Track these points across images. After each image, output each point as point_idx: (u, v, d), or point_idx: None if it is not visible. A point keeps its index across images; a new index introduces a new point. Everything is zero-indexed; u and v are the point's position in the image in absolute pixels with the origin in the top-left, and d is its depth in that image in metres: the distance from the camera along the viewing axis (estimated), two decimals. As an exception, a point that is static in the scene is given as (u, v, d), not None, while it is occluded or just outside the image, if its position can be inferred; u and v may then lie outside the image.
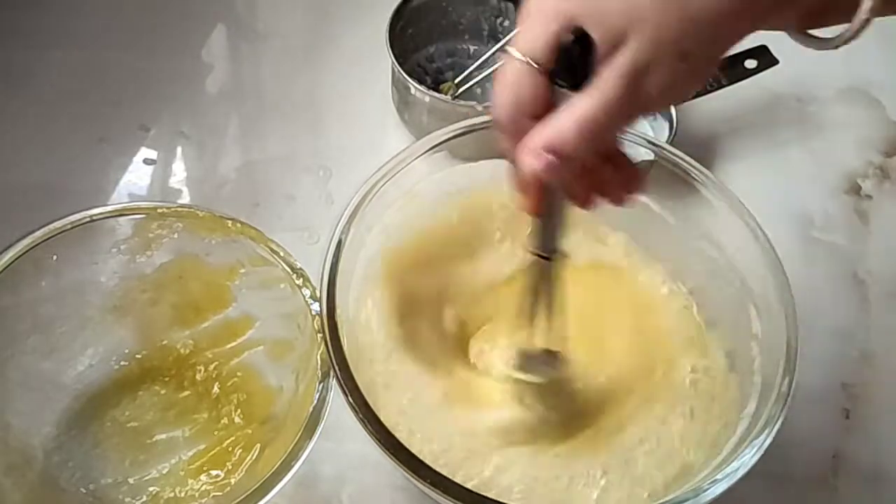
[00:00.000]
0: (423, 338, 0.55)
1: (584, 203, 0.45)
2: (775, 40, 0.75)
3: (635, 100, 0.40)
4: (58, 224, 0.52)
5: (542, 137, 0.41)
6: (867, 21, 0.40)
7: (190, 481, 0.53)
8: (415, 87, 0.69)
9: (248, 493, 0.45)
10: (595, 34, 0.39)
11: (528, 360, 0.52)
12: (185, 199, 0.71)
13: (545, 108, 0.41)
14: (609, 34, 0.39)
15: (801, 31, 0.44)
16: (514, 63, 0.41)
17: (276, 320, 0.55)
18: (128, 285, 0.56)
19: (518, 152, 0.42)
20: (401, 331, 0.54)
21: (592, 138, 0.40)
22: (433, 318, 0.57)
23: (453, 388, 0.53)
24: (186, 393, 0.57)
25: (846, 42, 0.42)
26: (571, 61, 0.40)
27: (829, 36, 0.43)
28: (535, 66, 0.41)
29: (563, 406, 0.53)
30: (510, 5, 0.75)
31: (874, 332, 0.67)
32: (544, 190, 0.44)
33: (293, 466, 0.46)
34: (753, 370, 0.53)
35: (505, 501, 0.44)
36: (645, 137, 0.59)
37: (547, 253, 0.47)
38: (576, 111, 0.40)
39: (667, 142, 0.66)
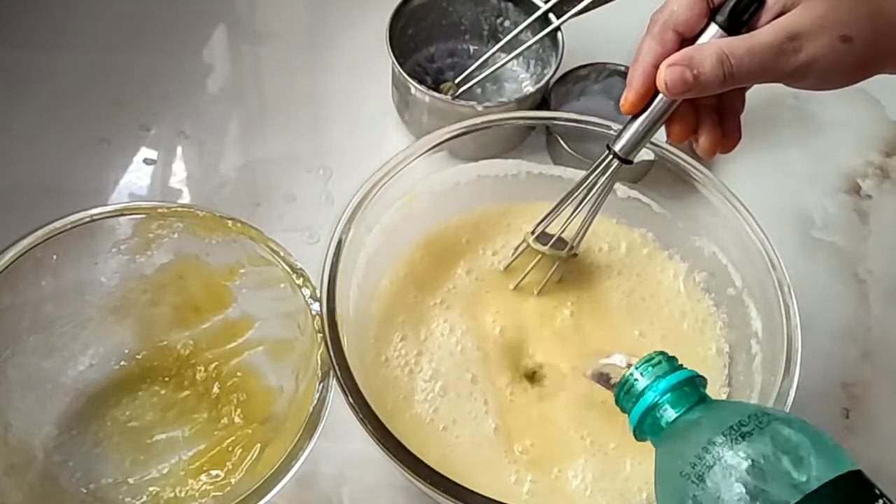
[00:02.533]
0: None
1: (677, 134, 0.49)
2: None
3: (781, 57, 0.43)
4: (58, 224, 0.52)
5: (688, 55, 0.44)
6: None
7: (190, 481, 0.53)
8: (415, 87, 0.69)
9: (248, 493, 0.45)
10: None
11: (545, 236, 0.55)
12: (185, 199, 0.71)
13: (695, 36, 0.46)
14: None
15: None
16: None
17: (276, 320, 0.55)
18: (128, 285, 0.56)
19: (665, 60, 0.45)
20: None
21: (728, 74, 0.43)
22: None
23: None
24: (186, 393, 0.57)
25: None
26: (739, 7, 0.44)
27: None
28: None
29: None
30: (510, 5, 0.75)
31: (874, 332, 0.67)
32: (651, 96, 0.47)
33: (293, 466, 0.46)
34: (753, 370, 0.53)
35: (505, 501, 0.44)
36: (645, 137, 0.59)
37: (623, 155, 0.50)
38: (724, 44, 0.44)
39: (667, 142, 0.66)
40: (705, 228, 0.58)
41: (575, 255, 0.57)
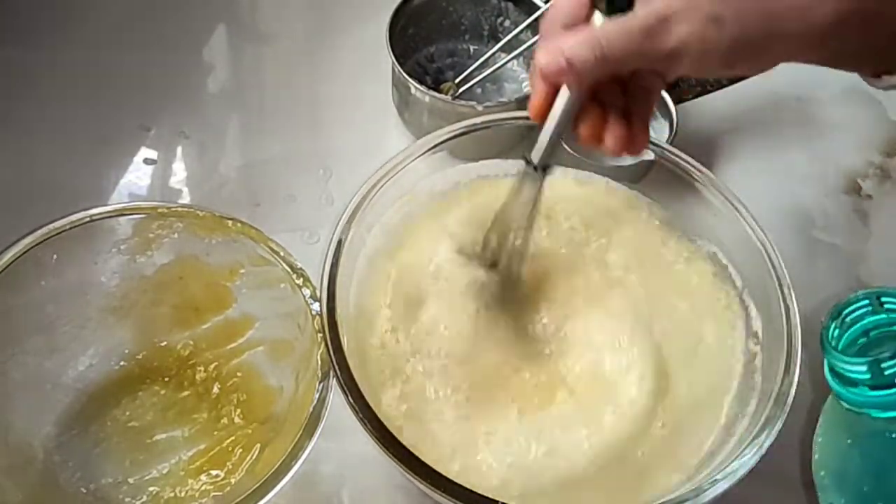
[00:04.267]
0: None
1: (585, 133, 0.48)
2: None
3: (653, 41, 0.42)
4: (58, 224, 0.52)
5: (560, 41, 0.44)
6: None
7: (190, 481, 0.53)
8: (415, 87, 0.69)
9: (248, 493, 0.45)
10: None
11: (492, 255, 0.54)
12: (185, 199, 0.71)
13: (579, 24, 0.45)
14: None
15: (874, 75, 0.47)
16: None
17: (276, 320, 0.55)
18: (128, 286, 0.56)
19: (538, 49, 0.46)
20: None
21: (602, 58, 0.43)
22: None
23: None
24: (186, 393, 0.57)
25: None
26: None
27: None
28: None
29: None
30: (510, 5, 0.75)
31: (874, 332, 0.67)
32: (551, 97, 0.47)
33: (293, 466, 0.46)
34: (753, 370, 0.53)
35: (505, 501, 0.44)
36: (645, 137, 0.59)
37: (537, 163, 0.50)
38: (597, 29, 0.44)
39: (667, 142, 0.66)
40: (705, 228, 0.58)
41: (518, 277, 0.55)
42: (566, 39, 0.44)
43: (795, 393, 0.49)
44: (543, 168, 0.50)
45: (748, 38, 0.42)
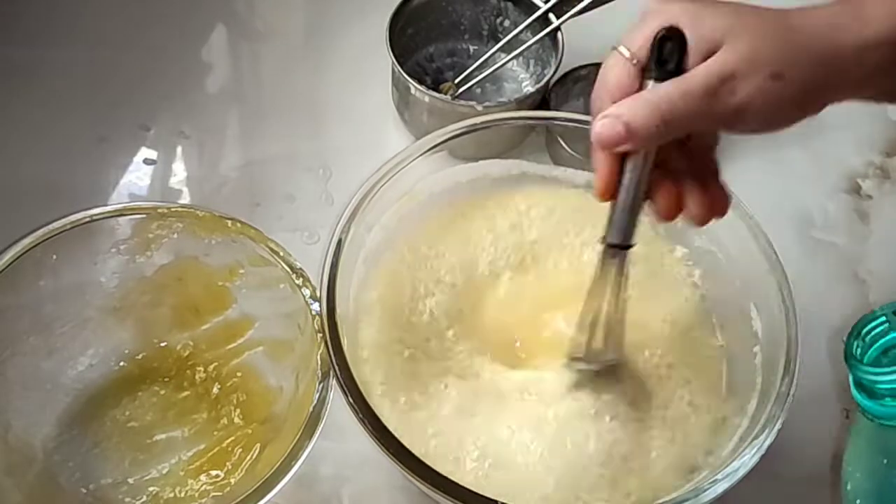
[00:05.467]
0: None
1: (664, 207, 0.46)
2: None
3: (715, 101, 0.41)
4: (58, 224, 0.52)
5: (617, 106, 0.43)
6: None
7: (190, 481, 0.53)
8: (415, 87, 0.69)
9: (248, 493, 0.45)
10: (691, 34, 0.42)
11: (587, 357, 0.52)
12: (185, 199, 0.71)
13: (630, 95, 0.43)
14: (705, 35, 0.42)
15: None
16: (617, 56, 0.44)
17: (276, 320, 0.55)
18: (128, 286, 0.56)
19: (594, 122, 0.44)
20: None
21: (661, 119, 0.42)
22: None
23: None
24: (186, 393, 0.57)
25: None
26: (662, 56, 0.42)
27: None
28: (628, 54, 0.43)
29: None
30: (510, 5, 0.75)
31: (874, 332, 0.67)
32: (616, 172, 0.45)
33: (293, 466, 0.46)
34: (753, 370, 0.53)
35: (505, 501, 0.44)
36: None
37: (616, 241, 0.47)
38: (655, 91, 0.42)
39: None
40: (705, 228, 0.58)
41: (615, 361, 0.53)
42: (620, 104, 0.43)
43: (796, 395, 0.49)
44: (623, 247, 0.47)
45: (811, 89, 0.43)
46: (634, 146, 0.43)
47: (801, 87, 0.42)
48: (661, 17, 0.43)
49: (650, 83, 0.43)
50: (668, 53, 0.42)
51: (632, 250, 0.48)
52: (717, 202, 0.46)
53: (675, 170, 0.45)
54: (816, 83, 0.43)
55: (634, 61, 0.43)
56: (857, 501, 0.51)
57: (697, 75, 0.41)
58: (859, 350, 0.50)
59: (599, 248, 0.48)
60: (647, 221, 0.59)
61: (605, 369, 0.53)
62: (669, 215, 0.46)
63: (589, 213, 0.60)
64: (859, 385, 0.49)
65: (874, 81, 0.44)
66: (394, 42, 0.70)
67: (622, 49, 0.44)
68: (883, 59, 0.43)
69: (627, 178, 0.45)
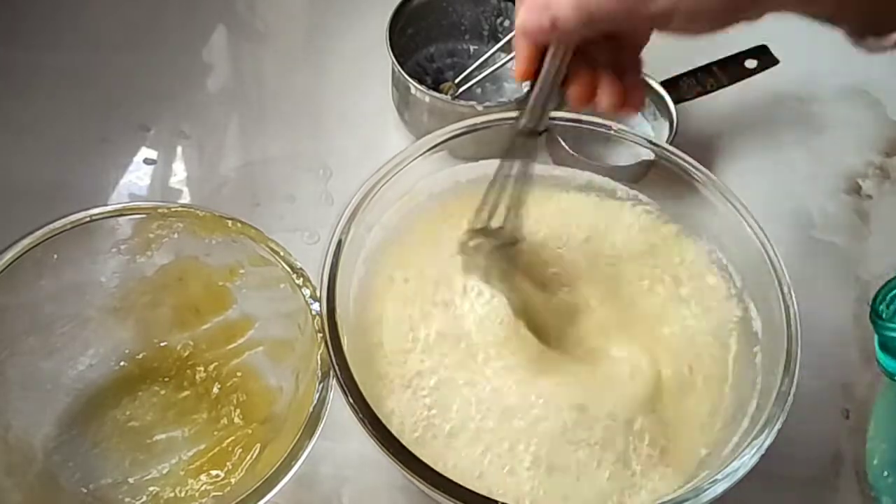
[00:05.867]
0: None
1: (577, 95, 0.47)
2: (775, 40, 0.75)
3: (643, 2, 0.40)
4: (58, 224, 0.52)
5: None
6: None
7: (190, 481, 0.53)
8: (415, 87, 0.69)
9: (248, 493, 0.45)
10: None
11: (487, 233, 0.53)
12: (185, 199, 0.71)
13: None
14: None
15: (859, 33, 0.45)
16: None
17: (276, 320, 0.55)
18: (128, 286, 0.56)
19: (520, 8, 0.44)
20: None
21: (588, 17, 0.41)
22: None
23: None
24: (186, 393, 0.57)
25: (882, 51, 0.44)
26: None
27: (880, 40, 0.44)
28: None
29: None
30: (510, 5, 0.75)
31: (874, 332, 0.66)
32: (536, 58, 0.46)
33: (293, 466, 0.46)
34: (754, 370, 0.53)
35: (505, 502, 0.44)
36: (645, 137, 0.59)
37: (530, 125, 0.48)
38: None
39: (667, 142, 0.66)
40: (705, 228, 0.58)
41: (516, 240, 0.54)
42: None
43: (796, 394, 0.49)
44: (535, 132, 0.49)
45: None
46: (558, 40, 0.44)
47: None
48: None
49: None
50: None
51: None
52: (630, 95, 0.47)
53: (596, 60, 0.46)
54: None
55: None
56: (885, 473, 0.50)
57: None
58: (886, 311, 0.50)
59: (511, 131, 0.49)
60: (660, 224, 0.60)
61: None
62: (580, 102, 0.47)
63: (589, 213, 0.60)
64: (884, 347, 0.49)
65: None
66: (394, 42, 0.70)
67: None
68: None
69: (546, 65, 0.46)
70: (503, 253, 0.54)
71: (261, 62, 0.81)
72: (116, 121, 0.74)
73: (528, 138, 0.49)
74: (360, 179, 0.55)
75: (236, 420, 0.55)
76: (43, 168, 0.70)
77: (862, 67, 0.81)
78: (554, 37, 0.43)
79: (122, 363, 0.57)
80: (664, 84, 0.73)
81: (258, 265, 0.54)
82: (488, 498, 0.44)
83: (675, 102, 0.72)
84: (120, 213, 0.53)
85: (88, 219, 0.52)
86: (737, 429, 0.50)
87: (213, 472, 0.53)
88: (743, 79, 0.75)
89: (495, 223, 0.52)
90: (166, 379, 0.57)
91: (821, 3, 0.43)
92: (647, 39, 0.47)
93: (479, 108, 0.67)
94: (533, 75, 0.46)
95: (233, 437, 0.54)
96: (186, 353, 0.57)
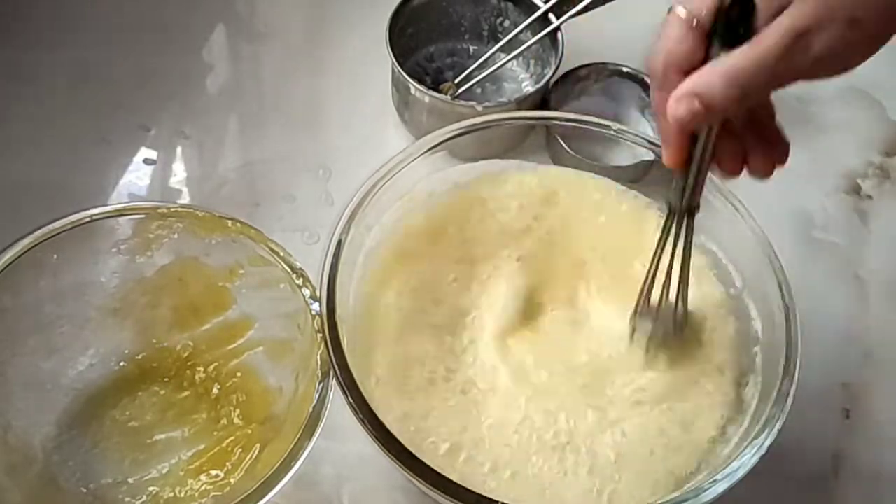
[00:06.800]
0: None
1: (731, 168, 0.46)
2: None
3: (792, 60, 0.40)
4: (58, 224, 0.52)
5: (691, 83, 0.41)
6: None
7: (190, 481, 0.53)
8: (415, 87, 0.69)
9: (248, 493, 0.45)
10: None
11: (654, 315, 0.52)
12: (185, 199, 0.71)
13: (698, 64, 0.42)
14: None
15: None
16: (676, 17, 0.42)
17: (275, 320, 0.55)
18: (128, 287, 0.56)
19: (668, 100, 0.42)
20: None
21: (740, 90, 0.40)
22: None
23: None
24: (186, 393, 0.57)
25: None
26: (730, 20, 0.41)
27: None
28: (694, 21, 0.42)
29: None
30: (510, 5, 0.75)
31: (874, 331, 0.67)
32: (688, 143, 0.45)
33: (293, 466, 0.46)
34: (754, 370, 0.53)
35: (507, 502, 0.44)
36: (645, 137, 0.59)
37: (686, 206, 0.48)
38: (728, 61, 0.41)
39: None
40: (705, 228, 0.58)
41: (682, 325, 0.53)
42: (695, 80, 0.41)
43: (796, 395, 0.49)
44: (692, 212, 0.48)
45: (882, 30, 0.40)
46: (712, 121, 0.43)
47: (876, 27, 0.40)
48: None
49: (717, 50, 0.41)
50: (736, 18, 0.41)
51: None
52: (776, 148, 0.46)
53: (735, 125, 0.45)
54: (890, 15, 0.40)
55: (695, 23, 0.42)
56: None
57: (769, 36, 0.40)
58: None
59: (663, 214, 0.49)
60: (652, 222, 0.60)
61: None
62: (734, 173, 0.46)
63: (588, 213, 0.60)
64: None
65: None
66: (394, 42, 0.70)
67: (681, 11, 0.42)
68: None
69: (699, 146, 0.45)
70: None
71: (261, 62, 0.81)
72: (116, 121, 0.74)
73: (684, 219, 0.48)
74: (360, 179, 0.55)
75: (236, 420, 0.55)
76: (43, 168, 0.70)
77: (862, 67, 0.81)
78: (708, 120, 0.42)
79: (121, 363, 0.57)
80: (664, 84, 0.73)
81: (258, 265, 0.54)
82: (489, 498, 0.44)
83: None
84: (120, 213, 0.53)
85: (88, 219, 0.52)
86: (737, 429, 0.50)
87: (213, 473, 0.53)
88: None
89: (665, 309, 0.52)
90: (166, 379, 0.57)
91: None
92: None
93: (479, 108, 0.67)
94: (686, 160, 0.46)
95: (232, 438, 0.54)
96: (186, 354, 0.57)
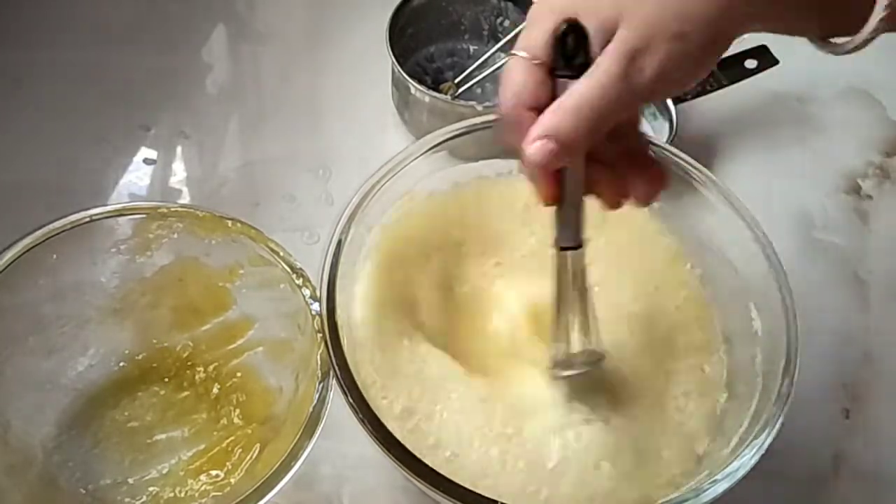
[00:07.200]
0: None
1: (611, 200, 0.46)
2: (775, 40, 0.75)
3: (631, 82, 0.41)
4: (58, 224, 0.52)
5: (541, 124, 0.42)
6: (872, 38, 0.42)
7: (189, 481, 0.53)
8: (415, 87, 0.69)
9: (248, 493, 0.45)
10: (588, 23, 0.41)
11: (568, 360, 0.51)
12: (185, 199, 0.71)
13: (547, 101, 0.43)
14: (601, 21, 0.41)
15: (821, 38, 0.46)
16: (516, 59, 0.43)
17: (275, 320, 0.55)
18: (127, 287, 0.56)
19: (523, 143, 0.43)
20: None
21: (589, 121, 0.41)
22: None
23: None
24: (186, 393, 0.57)
25: (850, 52, 0.44)
26: (567, 52, 0.42)
27: (840, 42, 0.44)
28: (534, 60, 0.43)
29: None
30: (510, 5, 0.75)
31: (874, 332, 0.67)
32: (558, 179, 0.45)
33: (293, 466, 0.46)
34: (754, 370, 0.53)
35: (504, 502, 0.44)
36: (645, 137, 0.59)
37: (569, 243, 0.47)
38: (572, 95, 0.42)
39: (667, 142, 0.66)
40: (705, 228, 0.58)
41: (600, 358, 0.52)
42: (544, 122, 0.42)
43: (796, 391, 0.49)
44: (577, 247, 0.48)
45: (713, 37, 0.42)
46: (570, 157, 0.43)
47: (706, 36, 0.41)
48: (553, 14, 0.42)
49: (562, 83, 0.42)
50: (572, 48, 0.42)
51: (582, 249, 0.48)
52: (656, 178, 0.46)
53: (608, 158, 0.46)
54: (719, 25, 0.41)
55: (537, 62, 0.43)
56: None
57: (604, 63, 0.41)
58: None
59: (552, 252, 0.48)
60: (643, 221, 0.60)
61: (596, 375, 0.52)
62: (616, 205, 0.47)
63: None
64: None
65: (778, 11, 0.43)
66: (394, 42, 0.70)
67: (520, 53, 0.43)
68: None
69: (568, 182, 0.45)
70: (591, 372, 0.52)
71: (260, 62, 0.82)
72: (116, 121, 0.74)
73: (572, 255, 0.48)
74: (360, 179, 0.55)
75: (236, 420, 0.55)
76: (43, 168, 0.70)
77: (862, 67, 0.81)
78: (566, 158, 0.43)
79: (121, 363, 0.57)
80: (664, 84, 0.73)
81: (258, 265, 0.54)
82: (488, 498, 0.44)
83: (675, 102, 0.72)
84: (120, 213, 0.53)
85: (88, 219, 0.52)
86: (737, 429, 0.50)
87: (213, 473, 0.53)
88: (743, 79, 0.75)
89: (575, 349, 0.51)
90: (166, 379, 0.57)
91: (778, 20, 0.44)
92: (639, 116, 0.48)
93: (479, 108, 0.67)
94: (559, 197, 0.46)
95: (232, 438, 0.54)
96: (186, 354, 0.57)
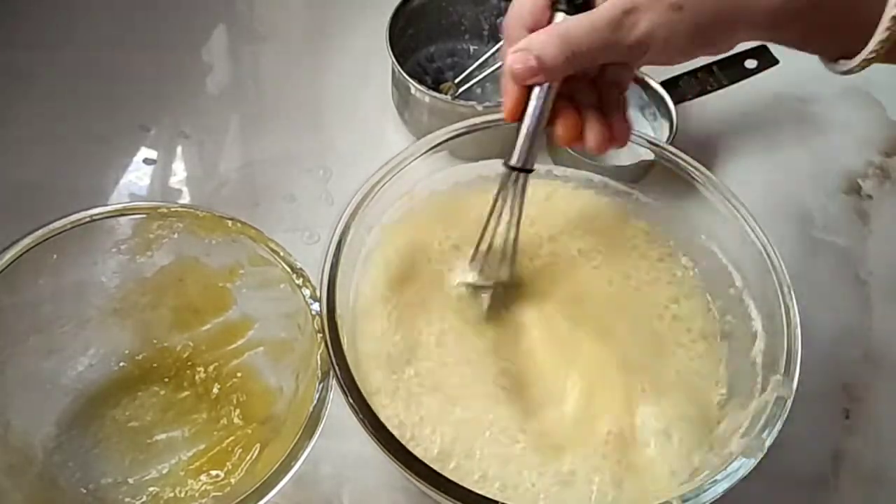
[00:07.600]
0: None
1: (564, 134, 0.49)
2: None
3: (619, 32, 0.44)
4: (58, 224, 0.52)
5: (528, 40, 0.46)
6: (869, 62, 0.46)
7: (190, 481, 0.53)
8: (415, 87, 0.69)
9: (248, 493, 0.45)
10: None
11: (482, 261, 0.54)
12: (185, 199, 0.71)
13: (541, 26, 0.46)
14: None
15: (831, 59, 0.48)
16: None
17: (276, 320, 0.55)
18: (128, 287, 0.56)
19: (509, 49, 0.47)
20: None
21: (570, 53, 0.45)
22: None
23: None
24: (186, 393, 0.57)
25: (849, 73, 0.47)
26: None
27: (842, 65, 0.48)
28: None
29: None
30: (510, 5, 0.75)
31: (875, 332, 0.67)
32: (524, 98, 0.47)
33: (293, 466, 0.46)
34: (754, 370, 0.53)
35: (504, 501, 0.44)
36: (645, 137, 0.59)
37: (517, 164, 0.49)
38: (563, 25, 0.45)
39: (667, 142, 0.66)
40: (705, 228, 0.58)
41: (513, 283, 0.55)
42: (532, 39, 0.45)
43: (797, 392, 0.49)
44: (525, 170, 0.50)
45: (707, 22, 0.44)
46: (545, 79, 0.46)
47: (701, 18, 0.44)
48: None
49: (559, 15, 0.46)
50: None
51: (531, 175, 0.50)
52: (616, 131, 0.49)
53: (581, 102, 0.48)
54: (717, 15, 0.44)
55: None
56: None
57: (602, 9, 0.44)
58: None
59: (502, 170, 0.50)
60: (645, 222, 0.60)
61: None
62: (567, 141, 0.49)
63: (588, 213, 0.60)
64: None
65: (785, 21, 0.45)
66: (394, 42, 0.70)
67: None
68: (777, 2, 0.44)
69: (533, 104, 0.48)
70: (501, 295, 0.55)
71: (261, 62, 0.82)
72: (116, 121, 0.74)
73: (517, 178, 0.50)
74: (360, 179, 0.55)
75: (236, 420, 0.55)
76: (43, 168, 0.70)
77: (862, 67, 0.81)
78: (540, 76, 0.46)
79: (121, 363, 0.57)
80: (664, 84, 0.74)
81: (258, 265, 0.54)
82: (488, 498, 0.44)
83: (675, 102, 0.72)
84: (120, 213, 0.53)
85: (88, 219, 0.52)
86: (737, 429, 0.50)
87: (213, 473, 0.53)
88: (743, 79, 0.75)
89: (491, 271, 0.54)
90: (166, 379, 0.57)
91: (787, 33, 0.46)
92: (629, 80, 0.49)
93: (479, 108, 0.67)
94: (521, 115, 0.48)
95: (233, 438, 0.54)
96: (186, 354, 0.57)
